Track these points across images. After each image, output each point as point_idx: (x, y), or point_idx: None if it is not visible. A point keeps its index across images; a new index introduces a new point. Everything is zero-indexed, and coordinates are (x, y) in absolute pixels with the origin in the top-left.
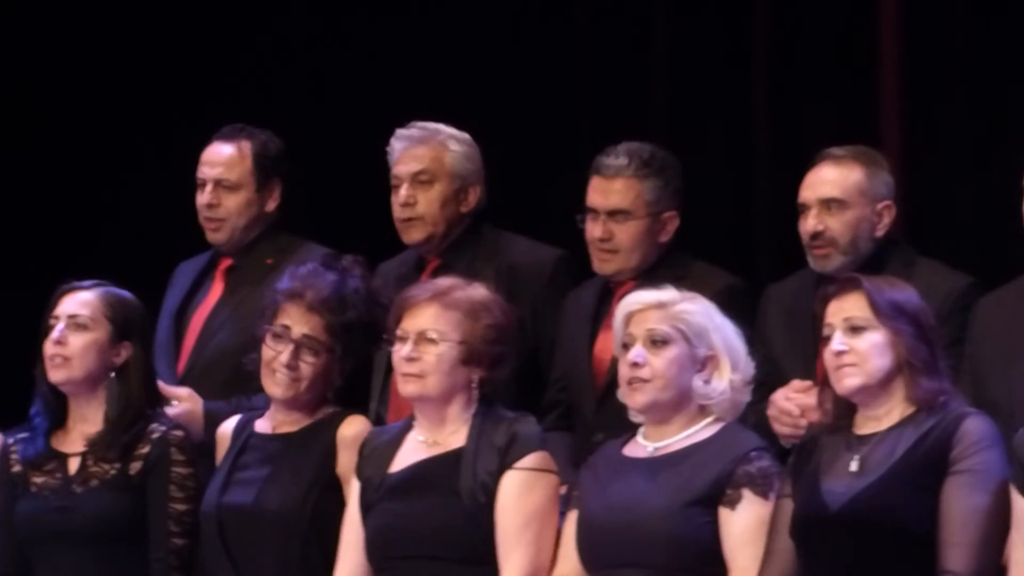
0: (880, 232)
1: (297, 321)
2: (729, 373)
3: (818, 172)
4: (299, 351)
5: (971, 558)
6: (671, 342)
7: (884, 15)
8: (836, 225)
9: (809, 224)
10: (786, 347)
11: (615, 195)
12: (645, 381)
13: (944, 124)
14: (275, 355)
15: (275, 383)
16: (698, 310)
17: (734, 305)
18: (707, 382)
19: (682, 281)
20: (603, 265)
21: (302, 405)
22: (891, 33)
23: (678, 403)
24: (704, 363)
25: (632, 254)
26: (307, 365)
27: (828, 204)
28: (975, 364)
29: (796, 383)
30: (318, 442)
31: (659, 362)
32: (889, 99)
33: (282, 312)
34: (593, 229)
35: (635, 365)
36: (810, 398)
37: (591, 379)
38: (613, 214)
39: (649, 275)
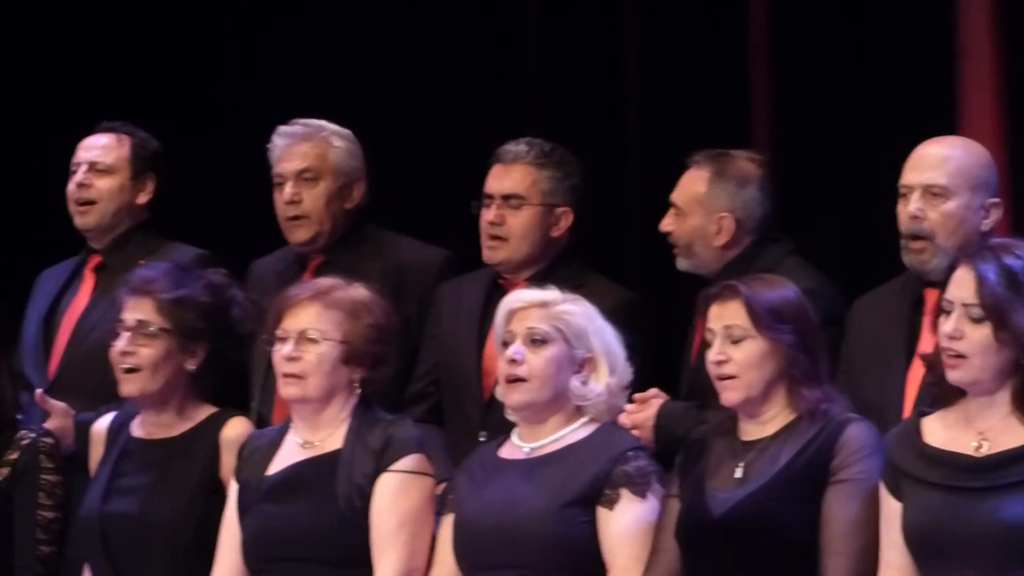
0: (718, 242)
1: (130, 310)
2: (606, 376)
3: (683, 178)
4: (135, 338)
5: (851, 566)
6: (550, 342)
7: (754, 17)
8: (678, 229)
9: (663, 222)
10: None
11: (511, 180)
12: (522, 380)
13: (814, 126)
14: (115, 351)
15: (123, 380)
16: (579, 311)
17: (631, 320)
18: (584, 383)
19: (579, 291)
20: (492, 253)
21: (164, 403)
22: (761, 35)
23: (554, 403)
24: (582, 364)
25: (522, 242)
26: (145, 350)
27: (675, 208)
28: (850, 365)
29: (637, 396)
30: (200, 446)
31: (537, 361)
32: (760, 102)
33: (122, 309)
34: (486, 214)
35: (513, 362)
36: (644, 412)
37: (479, 379)
38: (507, 198)
39: (544, 281)
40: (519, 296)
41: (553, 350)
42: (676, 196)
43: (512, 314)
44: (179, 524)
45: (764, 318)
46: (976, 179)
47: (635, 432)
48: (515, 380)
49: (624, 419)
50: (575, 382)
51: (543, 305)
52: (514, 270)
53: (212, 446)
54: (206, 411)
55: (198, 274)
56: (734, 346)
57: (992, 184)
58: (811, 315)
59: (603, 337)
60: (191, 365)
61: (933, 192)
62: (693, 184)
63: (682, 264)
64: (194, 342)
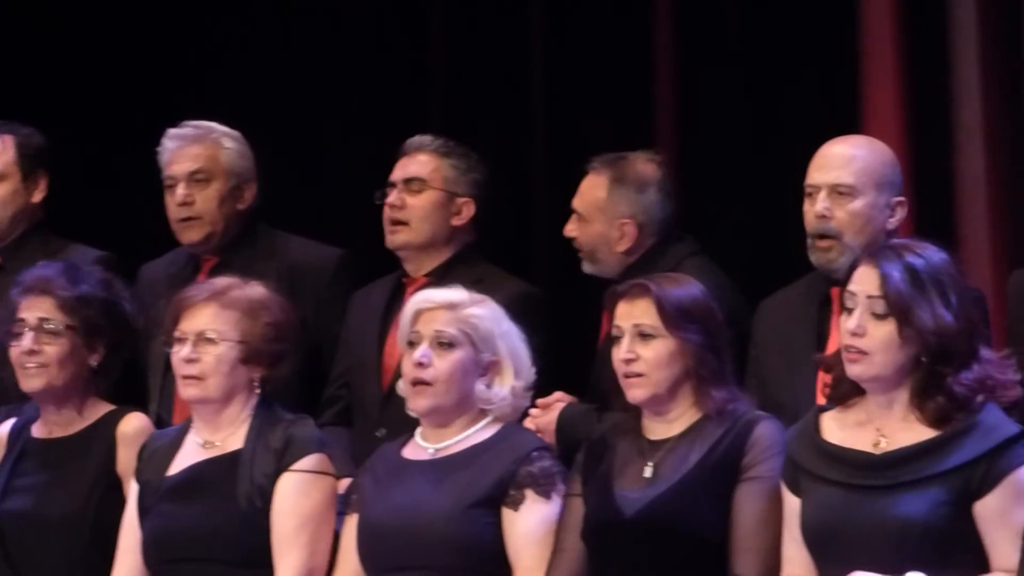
0: (621, 247)
1: (30, 309)
2: (512, 379)
3: (584, 184)
4: (39, 336)
5: (761, 563)
6: (457, 345)
7: (659, 17)
8: (581, 235)
9: (567, 228)
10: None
11: (414, 165)
12: (428, 384)
13: (718, 125)
14: (19, 350)
15: (26, 376)
16: (486, 315)
17: (528, 312)
18: (489, 387)
19: (479, 284)
20: (394, 237)
21: (66, 399)
22: (666, 35)
23: (460, 407)
24: (488, 368)
25: (423, 224)
26: (51, 348)
27: (578, 216)
28: (760, 366)
29: (541, 401)
30: (97, 442)
31: (444, 365)
32: (664, 101)
33: (18, 310)
34: (388, 200)
35: (420, 365)
36: (547, 416)
37: (378, 375)
38: (409, 182)
39: (445, 275)
40: (427, 296)
41: (460, 354)
42: (577, 203)
43: (419, 314)
44: (76, 520)
45: (674, 317)
46: (882, 178)
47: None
48: (421, 383)
49: (528, 423)
50: (480, 386)
51: (451, 307)
52: (415, 258)
53: (109, 441)
54: (103, 409)
55: (89, 271)
56: (643, 344)
57: (897, 183)
58: (718, 315)
59: (509, 340)
60: (93, 361)
61: (840, 191)
62: (593, 191)
63: (587, 268)
64: (96, 338)
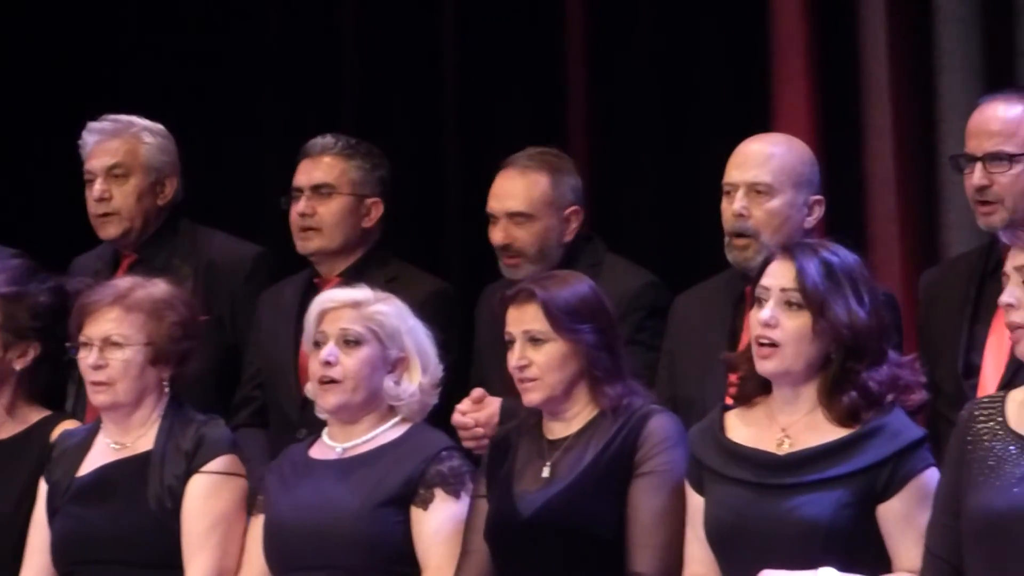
0: (568, 237)
1: None
2: (419, 375)
3: (503, 183)
4: None
5: (658, 559)
6: (364, 343)
7: (571, 14)
8: (524, 236)
9: (497, 236)
10: (488, 351)
11: (320, 171)
12: (336, 382)
13: (631, 123)
14: None
15: None
16: (392, 311)
17: (441, 310)
18: (397, 383)
19: (393, 283)
20: (305, 244)
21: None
22: (578, 33)
23: (368, 404)
24: (395, 364)
25: (335, 231)
26: None
27: (515, 217)
28: (672, 362)
29: (474, 392)
30: (30, 448)
31: (351, 363)
32: (576, 99)
33: None
34: (296, 207)
35: (327, 364)
36: (485, 410)
37: (296, 376)
38: (317, 189)
39: (358, 275)
40: (331, 296)
41: (367, 351)
42: (517, 204)
43: (324, 314)
44: (5, 523)
45: (562, 320)
46: (800, 176)
47: (478, 430)
48: (329, 382)
49: (465, 419)
50: (388, 382)
51: (356, 305)
52: (328, 261)
53: (42, 449)
54: (38, 414)
55: (46, 276)
56: (534, 349)
57: (815, 182)
58: (609, 311)
59: (416, 336)
60: (18, 365)
61: (757, 190)
62: (536, 186)
63: (523, 271)
64: (24, 341)
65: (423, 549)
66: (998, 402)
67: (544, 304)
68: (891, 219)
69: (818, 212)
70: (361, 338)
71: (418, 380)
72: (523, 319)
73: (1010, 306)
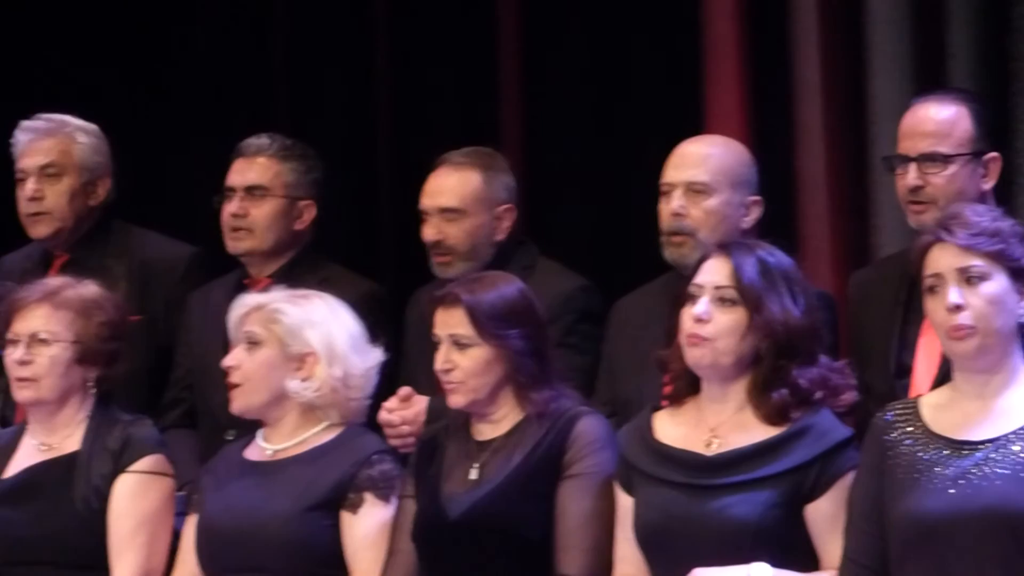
0: (500, 236)
1: None
2: (327, 370)
3: (436, 179)
4: None
5: (586, 560)
6: (262, 343)
7: (503, 15)
8: (455, 233)
9: (429, 232)
10: (417, 349)
11: (253, 172)
12: (238, 385)
13: (564, 124)
14: None
15: None
16: (295, 310)
17: (372, 311)
18: (305, 380)
19: (324, 284)
20: (236, 244)
21: None
22: (510, 34)
23: (277, 404)
24: (301, 361)
25: (267, 234)
26: None
27: (446, 213)
28: (611, 364)
29: (401, 391)
30: None
31: (250, 364)
32: (509, 100)
33: None
34: (229, 207)
35: (230, 368)
36: (411, 408)
37: (222, 377)
38: (250, 190)
39: (289, 276)
40: (244, 300)
41: (264, 352)
42: (448, 199)
43: (240, 318)
44: None
45: (488, 325)
46: (737, 177)
47: (404, 428)
48: (233, 386)
49: (391, 417)
50: (293, 380)
51: (259, 307)
52: (258, 262)
53: None
54: None
55: None
56: (460, 353)
57: (752, 182)
58: (539, 315)
59: (324, 331)
60: None
61: (695, 189)
62: (467, 183)
63: (456, 269)
64: None
65: (352, 553)
66: (912, 407)
67: (469, 309)
68: (822, 219)
69: (755, 213)
70: (260, 339)
71: (326, 375)
72: (449, 322)
73: (958, 307)
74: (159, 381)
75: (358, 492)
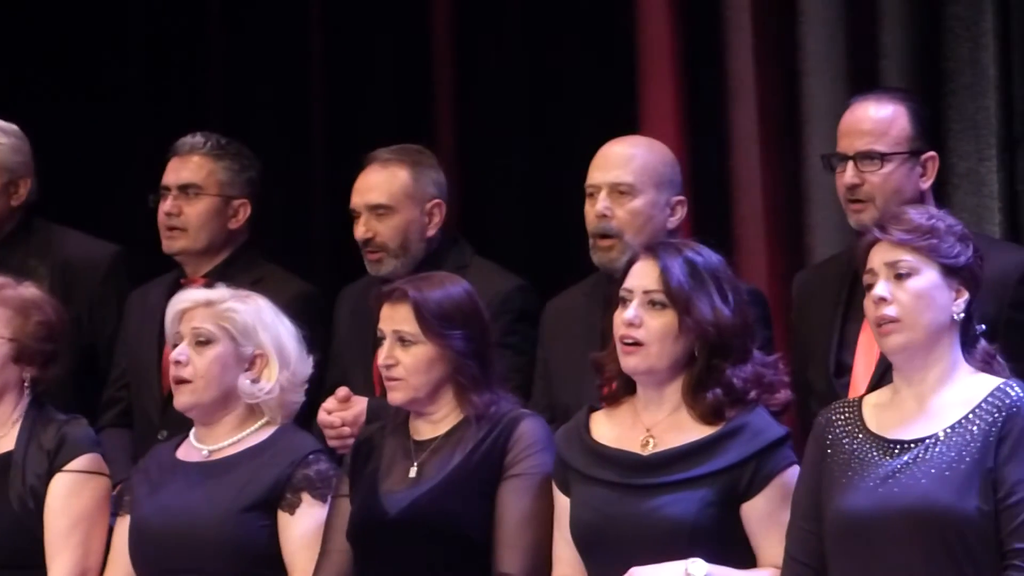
0: (431, 232)
1: None
2: (278, 373)
3: (365, 177)
4: None
5: (525, 560)
6: (215, 341)
7: (437, 14)
8: (385, 230)
9: (359, 230)
10: (350, 349)
11: (188, 171)
12: (188, 381)
13: (497, 124)
14: None
15: None
16: (246, 309)
17: (306, 311)
18: (255, 381)
19: (258, 284)
20: (170, 243)
21: None
22: (444, 30)
23: (224, 403)
24: (252, 362)
25: (200, 232)
26: None
27: (376, 210)
28: (546, 369)
29: (339, 392)
30: None
31: (201, 362)
32: (442, 100)
33: None
34: (163, 206)
35: (178, 363)
36: (350, 409)
37: (158, 377)
38: (184, 189)
39: (224, 275)
40: (186, 296)
41: (217, 350)
42: (377, 196)
43: (180, 314)
44: None
45: (433, 324)
46: (661, 177)
47: (345, 429)
48: (180, 381)
49: (331, 418)
50: (244, 381)
51: (208, 304)
52: (193, 261)
53: None
54: None
55: None
56: (403, 349)
57: (677, 182)
58: (483, 317)
59: (274, 333)
60: None
61: (620, 190)
62: (396, 180)
63: (386, 267)
64: None
65: (289, 553)
66: (854, 406)
67: (416, 305)
68: (756, 220)
69: (680, 212)
70: (212, 337)
71: (276, 377)
72: (395, 318)
73: (882, 300)
74: (82, 381)
75: (295, 492)
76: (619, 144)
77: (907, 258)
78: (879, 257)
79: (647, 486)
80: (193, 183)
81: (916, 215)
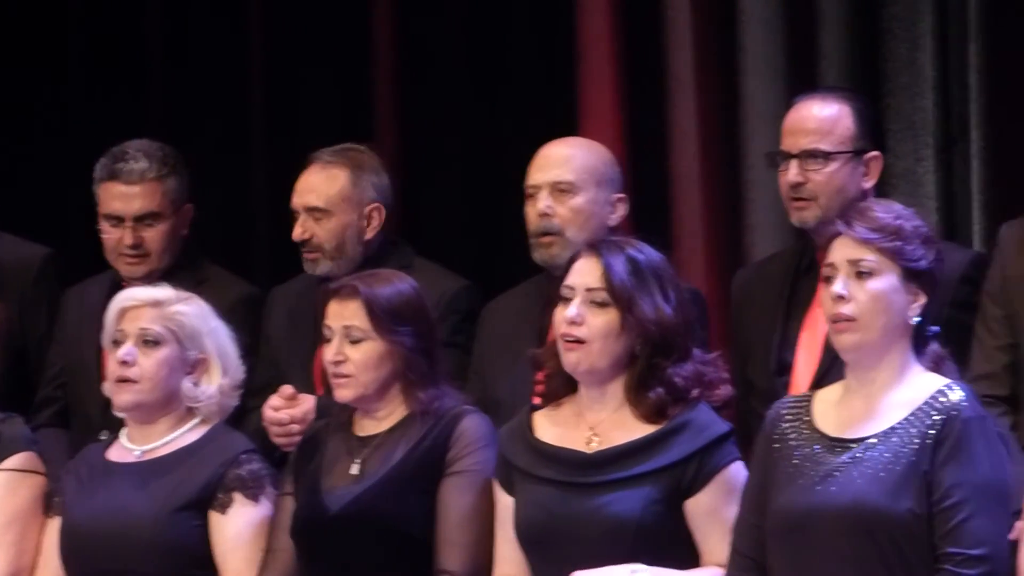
0: (369, 235)
1: None
2: (219, 377)
3: (306, 178)
4: None
5: (466, 557)
6: (163, 343)
7: (378, 12)
8: (321, 232)
9: (297, 231)
10: (287, 349)
11: (141, 200)
12: (132, 381)
13: (439, 125)
14: None
15: None
16: (192, 312)
17: (250, 314)
18: (196, 385)
19: (202, 286)
20: (133, 269)
21: None
22: (385, 32)
23: (166, 405)
24: (195, 366)
25: (164, 254)
26: None
27: (313, 212)
28: (481, 365)
29: (284, 390)
30: None
31: (149, 363)
32: (384, 99)
33: None
34: (124, 236)
35: (124, 363)
36: (298, 407)
37: (99, 377)
38: (141, 219)
39: (167, 277)
40: (131, 294)
41: (165, 352)
42: (315, 199)
43: (124, 312)
44: None
45: (383, 320)
46: (601, 175)
47: (294, 427)
48: (125, 381)
49: (279, 415)
50: (187, 384)
51: (156, 305)
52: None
53: None
54: None
55: None
56: (352, 346)
57: (616, 180)
58: (430, 315)
59: (216, 337)
60: None
61: (561, 189)
62: (334, 182)
63: (323, 268)
64: None
65: (221, 554)
66: (805, 402)
67: (367, 302)
68: (696, 218)
69: (621, 209)
70: (160, 338)
71: (218, 382)
72: (344, 314)
73: (840, 298)
74: (12, 383)
75: (227, 492)
76: (558, 145)
77: (869, 257)
78: (841, 252)
79: (591, 484)
80: (150, 211)
81: (882, 213)
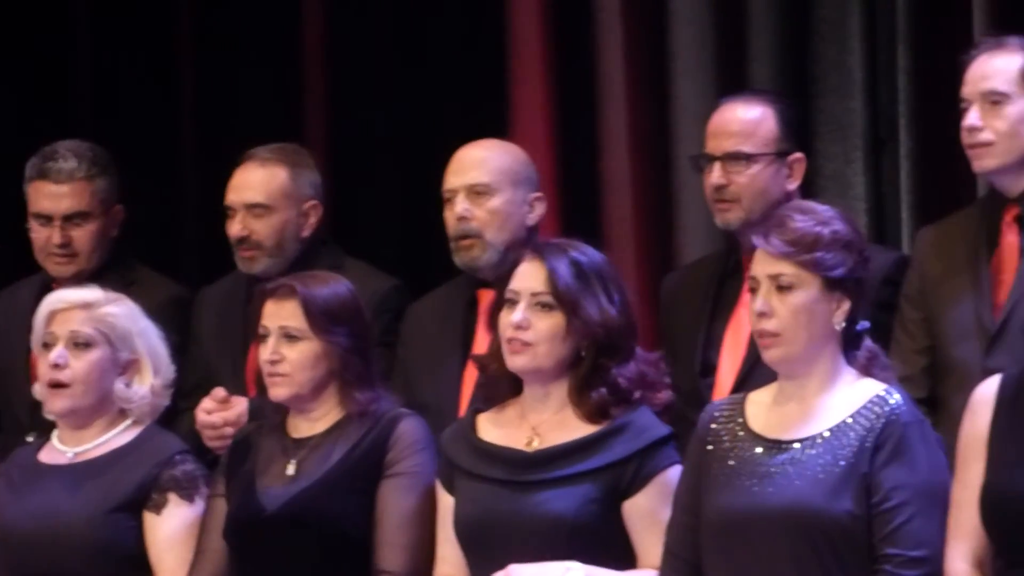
0: (306, 232)
1: None
2: (151, 378)
3: (243, 175)
4: None
5: (406, 558)
6: (94, 345)
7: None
8: (261, 229)
9: (235, 228)
10: (217, 349)
11: (71, 199)
12: (65, 385)
13: (366, 127)
14: None
15: None
16: (123, 313)
17: (179, 314)
18: (128, 386)
19: (131, 287)
20: (62, 268)
21: None
22: (315, 33)
23: (99, 407)
24: (126, 367)
25: (93, 255)
26: None
27: (253, 208)
28: (406, 368)
29: (216, 392)
30: None
31: (81, 365)
32: (315, 96)
33: None
34: (52, 236)
35: (56, 367)
36: (230, 409)
37: (28, 380)
38: (69, 218)
39: (96, 278)
40: (61, 297)
41: (97, 354)
42: (255, 195)
43: (54, 315)
44: None
45: (320, 320)
46: (517, 175)
47: (227, 430)
48: (57, 385)
49: (212, 418)
50: (119, 385)
51: (86, 307)
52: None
53: None
54: None
55: None
56: (288, 345)
57: (533, 179)
58: (365, 316)
59: (147, 338)
60: None
61: (477, 191)
62: (274, 179)
63: (259, 266)
64: None
65: (156, 554)
66: (738, 404)
67: (304, 302)
68: (626, 220)
69: (539, 209)
70: (91, 340)
71: (149, 382)
72: (280, 314)
73: (762, 314)
74: None
75: (161, 492)
76: (472, 148)
77: (788, 271)
78: (761, 267)
79: (530, 482)
80: (79, 211)
81: (802, 222)
